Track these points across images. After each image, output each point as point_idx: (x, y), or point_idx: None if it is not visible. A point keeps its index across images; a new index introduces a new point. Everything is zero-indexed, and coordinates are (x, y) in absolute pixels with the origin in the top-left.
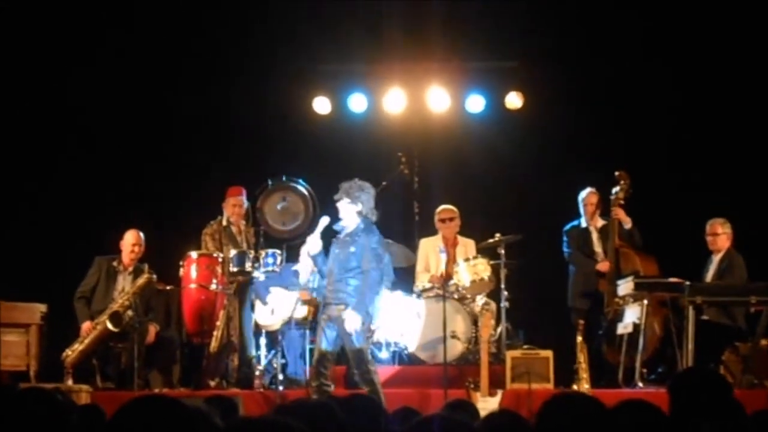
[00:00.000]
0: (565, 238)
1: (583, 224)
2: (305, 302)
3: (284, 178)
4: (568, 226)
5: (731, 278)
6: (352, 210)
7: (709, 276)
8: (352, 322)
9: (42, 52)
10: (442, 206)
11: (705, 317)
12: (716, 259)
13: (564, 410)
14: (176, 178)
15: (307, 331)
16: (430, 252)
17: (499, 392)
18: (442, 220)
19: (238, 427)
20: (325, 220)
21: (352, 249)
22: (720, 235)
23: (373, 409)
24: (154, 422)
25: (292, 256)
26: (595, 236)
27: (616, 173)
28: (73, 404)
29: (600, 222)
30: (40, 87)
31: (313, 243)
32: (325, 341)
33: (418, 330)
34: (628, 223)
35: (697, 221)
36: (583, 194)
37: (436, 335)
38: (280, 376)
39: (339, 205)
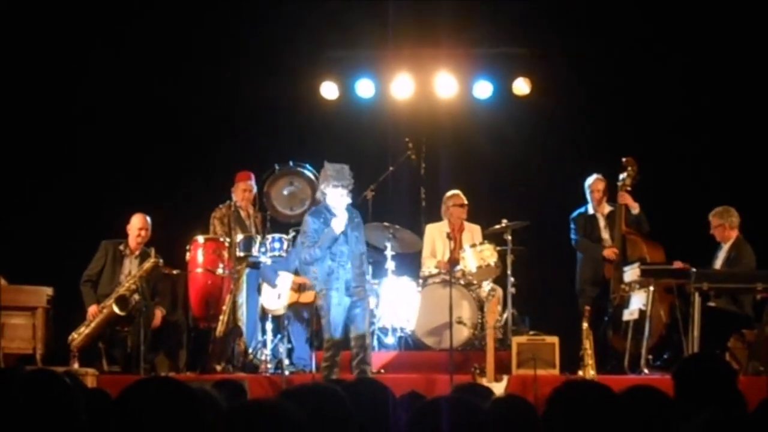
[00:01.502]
0: (572, 226)
1: (590, 211)
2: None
3: (291, 164)
4: (575, 213)
5: (739, 267)
6: (346, 194)
7: (718, 264)
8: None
9: (49, 37)
10: (455, 191)
11: (712, 304)
12: (725, 247)
13: (573, 397)
14: (183, 163)
15: (311, 316)
16: (437, 238)
17: (505, 378)
18: (460, 206)
19: (239, 408)
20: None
21: (363, 231)
22: (720, 225)
23: (380, 394)
24: (159, 403)
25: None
26: (602, 223)
27: (624, 159)
28: (83, 387)
29: (607, 208)
30: (47, 71)
31: (341, 225)
32: (342, 329)
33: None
34: (635, 208)
35: (705, 208)
36: (589, 181)
37: (442, 321)
38: (286, 361)
39: (340, 191)
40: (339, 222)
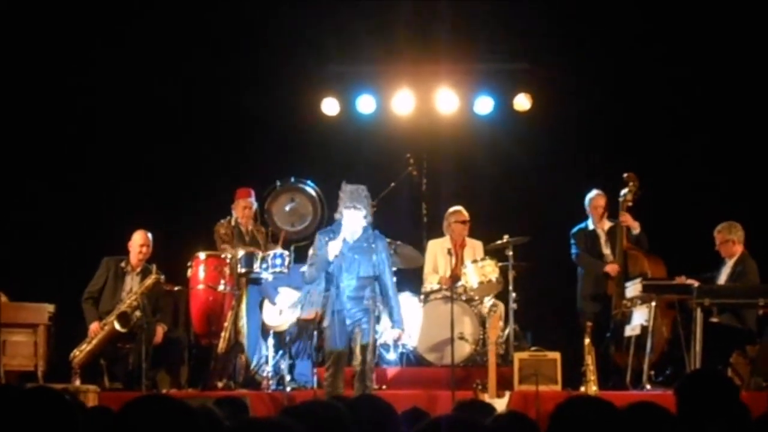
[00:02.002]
0: (572, 241)
1: (591, 226)
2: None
3: (292, 179)
4: (575, 229)
5: (745, 282)
6: (360, 216)
7: (722, 279)
8: (392, 335)
9: (51, 49)
10: (456, 208)
11: (714, 319)
12: (730, 262)
13: (576, 413)
14: (184, 179)
15: (315, 333)
16: (438, 253)
17: (507, 394)
18: (462, 222)
19: (241, 427)
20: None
21: (374, 258)
22: (727, 241)
23: (382, 411)
24: (156, 421)
25: (300, 257)
26: (602, 238)
27: (625, 175)
28: (82, 405)
29: (607, 224)
30: (49, 85)
31: (335, 249)
32: (341, 340)
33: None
34: (636, 229)
35: (707, 223)
36: (590, 197)
37: (443, 337)
38: (288, 378)
39: (355, 212)
40: (333, 246)
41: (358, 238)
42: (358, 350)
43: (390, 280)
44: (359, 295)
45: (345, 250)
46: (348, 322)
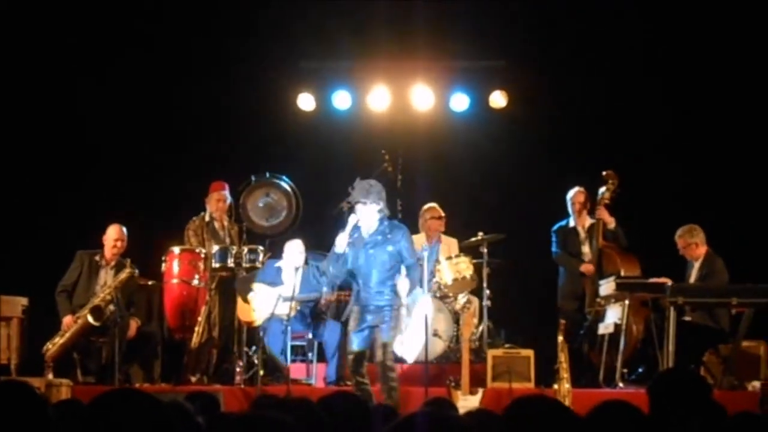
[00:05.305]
0: (553, 239)
1: (571, 224)
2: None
3: (268, 175)
4: (556, 226)
5: (714, 281)
6: (374, 210)
7: (692, 281)
8: (403, 286)
9: (30, 50)
10: (432, 204)
11: (687, 318)
12: (697, 264)
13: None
14: (159, 173)
15: (289, 328)
16: None
17: (480, 391)
18: (436, 218)
19: (223, 424)
20: (354, 219)
21: (390, 248)
22: (690, 245)
23: (353, 408)
24: (126, 415)
25: (275, 253)
26: (582, 236)
27: (604, 173)
28: (47, 398)
29: (588, 221)
30: (29, 82)
31: (342, 242)
32: (359, 342)
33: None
34: (611, 224)
35: (683, 222)
36: (570, 193)
37: (417, 333)
38: (261, 372)
39: (362, 207)
40: (339, 241)
41: (374, 232)
42: (377, 349)
43: (411, 264)
44: (381, 290)
45: (363, 246)
46: (369, 318)
